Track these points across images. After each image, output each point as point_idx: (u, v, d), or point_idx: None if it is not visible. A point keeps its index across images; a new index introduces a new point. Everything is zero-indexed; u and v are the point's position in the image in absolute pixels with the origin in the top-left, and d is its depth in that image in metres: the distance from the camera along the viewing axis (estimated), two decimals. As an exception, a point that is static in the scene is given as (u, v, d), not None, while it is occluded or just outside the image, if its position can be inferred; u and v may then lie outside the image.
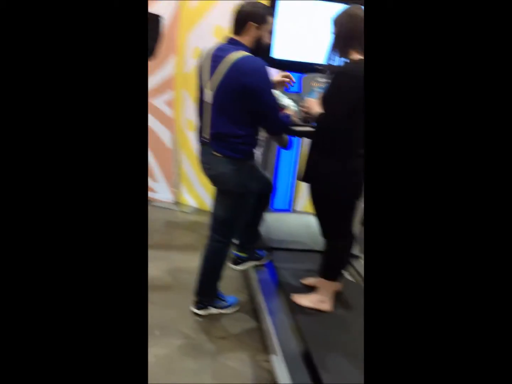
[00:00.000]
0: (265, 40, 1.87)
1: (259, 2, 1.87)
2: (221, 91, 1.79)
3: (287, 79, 2.06)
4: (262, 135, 2.17)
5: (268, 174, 2.58)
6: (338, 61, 1.80)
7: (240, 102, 1.77)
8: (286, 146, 2.17)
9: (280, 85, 2.05)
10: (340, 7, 1.78)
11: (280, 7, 2.29)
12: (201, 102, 1.91)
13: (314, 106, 1.81)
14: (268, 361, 1.84)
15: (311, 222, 2.01)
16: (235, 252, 2.35)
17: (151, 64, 2.95)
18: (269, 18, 1.84)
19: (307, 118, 1.90)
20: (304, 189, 2.92)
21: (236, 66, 1.73)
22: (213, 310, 2.17)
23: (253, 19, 1.78)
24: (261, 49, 1.90)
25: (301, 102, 1.95)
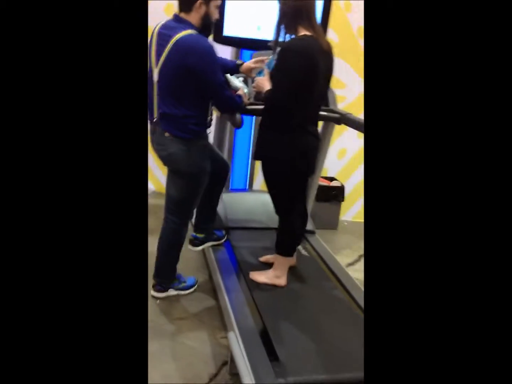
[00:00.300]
0: (213, 16, 1.83)
1: None
2: (166, 71, 1.76)
3: (260, 63, 1.99)
4: (215, 114, 2.15)
5: (224, 154, 2.57)
6: (286, 37, 1.80)
7: (185, 82, 1.74)
8: (239, 125, 2.16)
9: (255, 70, 2.01)
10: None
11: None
12: (150, 82, 1.86)
13: (264, 84, 1.81)
14: (226, 338, 1.87)
15: (268, 200, 2.03)
16: (192, 233, 2.35)
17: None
18: None
19: (258, 97, 1.90)
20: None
21: (178, 45, 1.69)
22: (172, 292, 2.18)
23: None
24: (210, 26, 1.86)
25: (252, 83, 1.94)
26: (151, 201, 3.31)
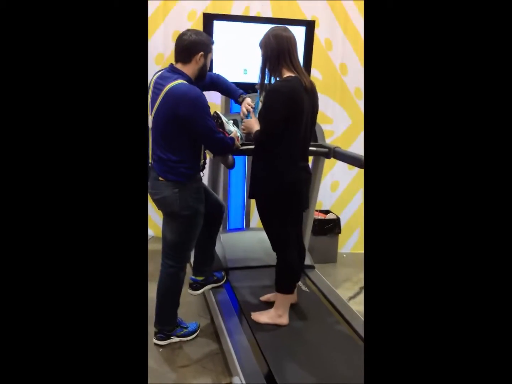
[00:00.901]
0: (207, 67, 1.93)
1: (200, 30, 1.93)
2: (158, 118, 1.83)
3: (249, 108, 2.06)
4: (209, 157, 2.20)
5: (219, 194, 2.60)
6: (271, 80, 1.88)
7: (176, 129, 1.81)
8: (231, 166, 2.20)
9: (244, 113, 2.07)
10: (267, 29, 1.86)
11: (216, 30, 2.37)
12: (148, 129, 1.92)
13: (253, 125, 1.88)
14: (231, 383, 1.83)
15: (265, 238, 2.04)
16: (192, 276, 2.34)
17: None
18: (211, 46, 1.91)
19: (248, 137, 1.97)
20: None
21: (170, 95, 1.77)
22: (175, 339, 2.15)
23: (201, 48, 1.84)
24: (204, 76, 1.95)
25: (241, 125, 2.01)
26: (150, 246, 3.28)
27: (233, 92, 2.15)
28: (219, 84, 2.14)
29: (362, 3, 3.05)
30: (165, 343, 2.12)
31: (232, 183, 2.90)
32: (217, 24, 2.39)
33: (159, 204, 1.98)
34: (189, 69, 1.86)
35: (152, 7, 2.95)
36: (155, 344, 2.12)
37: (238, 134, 2.02)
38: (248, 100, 2.09)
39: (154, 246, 3.27)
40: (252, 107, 2.05)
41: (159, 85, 1.82)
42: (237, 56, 2.48)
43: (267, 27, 1.89)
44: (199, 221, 2.02)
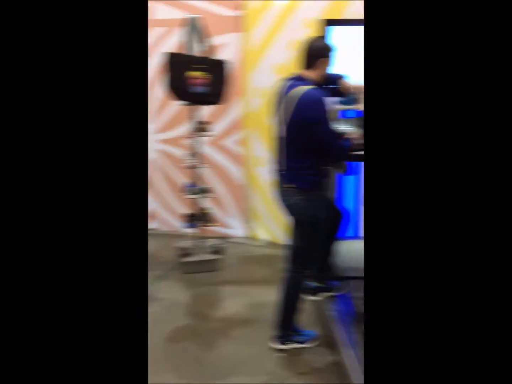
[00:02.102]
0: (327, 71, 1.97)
1: (321, 37, 1.98)
2: (291, 126, 1.89)
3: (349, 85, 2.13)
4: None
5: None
6: None
7: (305, 134, 1.85)
8: (344, 171, 2.18)
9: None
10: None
11: (333, 35, 2.36)
12: (278, 138, 2.00)
13: None
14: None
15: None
16: (310, 282, 2.35)
17: (220, 107, 3.13)
18: (331, 52, 1.94)
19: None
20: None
21: (300, 101, 1.82)
22: (293, 345, 2.18)
23: (324, 54, 1.90)
24: (327, 80, 2.00)
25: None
26: (266, 251, 3.40)
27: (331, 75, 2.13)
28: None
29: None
30: (285, 348, 2.17)
31: (344, 189, 2.85)
32: (334, 29, 2.37)
33: (289, 211, 2.04)
34: (315, 75, 1.91)
35: (269, 19, 3.06)
36: (276, 348, 2.17)
37: (355, 130, 1.99)
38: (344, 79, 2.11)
39: (270, 251, 3.37)
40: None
41: (287, 93, 1.88)
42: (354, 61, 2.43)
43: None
44: (322, 228, 2.04)
